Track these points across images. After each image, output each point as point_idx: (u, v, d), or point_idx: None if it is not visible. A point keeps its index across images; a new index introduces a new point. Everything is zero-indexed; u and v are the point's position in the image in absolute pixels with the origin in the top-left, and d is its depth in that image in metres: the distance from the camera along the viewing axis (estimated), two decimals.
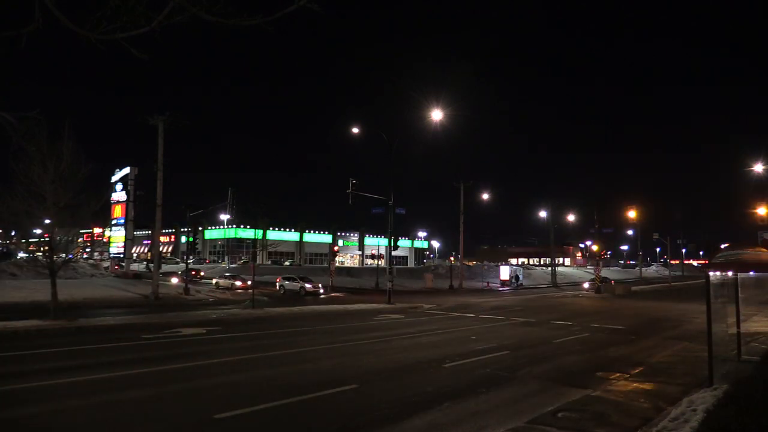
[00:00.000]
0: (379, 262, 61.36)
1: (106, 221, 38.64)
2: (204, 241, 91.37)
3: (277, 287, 40.87)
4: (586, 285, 51.66)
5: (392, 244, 33.13)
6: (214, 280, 43.25)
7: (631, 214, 53.52)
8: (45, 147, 17.54)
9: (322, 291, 39.03)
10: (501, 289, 56.68)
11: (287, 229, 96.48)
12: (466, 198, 55.53)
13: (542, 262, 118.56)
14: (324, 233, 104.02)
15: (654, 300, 41.11)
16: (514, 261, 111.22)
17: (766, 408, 6.72)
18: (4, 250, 60.01)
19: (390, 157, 32.64)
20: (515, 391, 9.99)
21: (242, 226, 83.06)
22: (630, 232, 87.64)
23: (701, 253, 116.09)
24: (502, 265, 74.59)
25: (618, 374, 11.85)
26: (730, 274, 11.68)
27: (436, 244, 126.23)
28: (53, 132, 17.95)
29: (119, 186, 43.32)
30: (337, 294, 39.73)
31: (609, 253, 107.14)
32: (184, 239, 52.64)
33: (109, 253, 50.92)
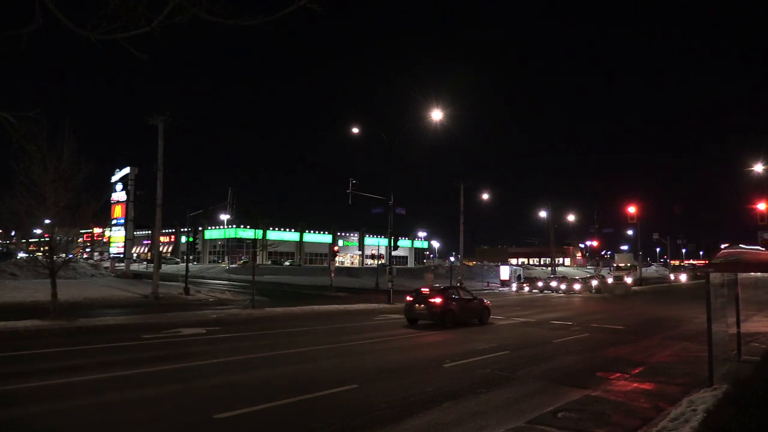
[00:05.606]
0: (379, 262, 61.36)
1: (106, 221, 38.48)
2: (204, 241, 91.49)
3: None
4: (576, 286, 50.50)
5: (392, 244, 33.11)
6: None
7: (631, 209, 53.25)
8: (45, 147, 17.49)
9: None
10: (501, 289, 56.65)
11: (287, 229, 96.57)
12: (466, 198, 55.40)
13: (542, 262, 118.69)
14: (324, 233, 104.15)
15: (654, 300, 41.13)
16: (514, 261, 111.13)
17: (766, 408, 6.72)
18: (4, 250, 60.10)
19: (390, 157, 32.61)
20: (515, 391, 9.99)
21: (242, 226, 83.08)
22: (630, 232, 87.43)
23: (701, 253, 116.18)
24: (502, 265, 74.46)
25: (618, 374, 11.85)
26: (733, 274, 11.67)
27: (436, 244, 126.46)
28: (53, 132, 17.92)
29: (119, 186, 43.31)
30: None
31: (609, 252, 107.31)
32: (184, 239, 52.69)
33: (109, 253, 50.93)
